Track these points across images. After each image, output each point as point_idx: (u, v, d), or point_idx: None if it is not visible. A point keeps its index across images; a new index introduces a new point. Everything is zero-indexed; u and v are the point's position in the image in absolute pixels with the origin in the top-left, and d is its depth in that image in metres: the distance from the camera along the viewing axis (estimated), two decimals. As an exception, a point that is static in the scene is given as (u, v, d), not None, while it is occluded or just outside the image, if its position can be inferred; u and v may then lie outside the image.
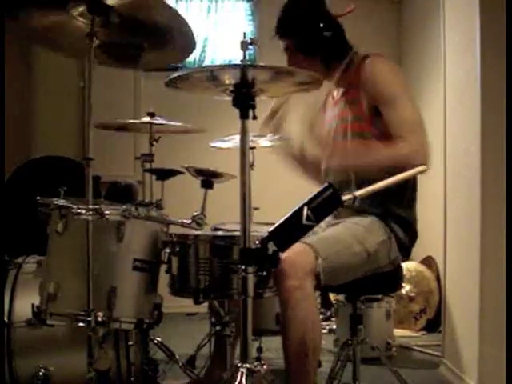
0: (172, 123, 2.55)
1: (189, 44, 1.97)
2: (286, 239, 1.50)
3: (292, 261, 1.70)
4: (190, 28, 1.87)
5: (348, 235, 1.91)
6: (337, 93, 2.17)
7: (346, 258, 1.86)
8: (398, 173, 1.74)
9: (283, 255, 1.53)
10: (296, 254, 1.69)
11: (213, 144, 2.86)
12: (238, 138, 1.60)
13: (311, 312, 1.78)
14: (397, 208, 2.00)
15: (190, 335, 3.29)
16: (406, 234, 2.01)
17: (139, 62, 2.01)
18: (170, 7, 1.85)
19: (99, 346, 1.75)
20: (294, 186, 2.49)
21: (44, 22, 1.87)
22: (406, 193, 2.04)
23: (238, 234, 1.63)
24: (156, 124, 2.49)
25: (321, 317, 3.82)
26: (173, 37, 1.91)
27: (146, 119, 2.48)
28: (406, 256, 2.06)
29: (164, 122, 2.51)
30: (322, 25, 2.04)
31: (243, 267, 1.50)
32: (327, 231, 1.97)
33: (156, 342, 2.41)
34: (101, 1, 1.74)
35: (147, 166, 2.45)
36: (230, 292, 1.86)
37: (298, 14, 2.08)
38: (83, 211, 1.74)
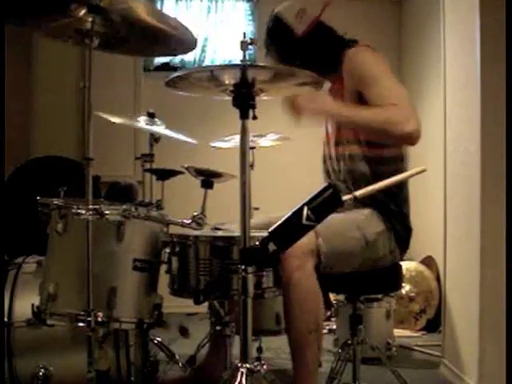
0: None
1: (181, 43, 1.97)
2: (286, 239, 1.50)
3: None
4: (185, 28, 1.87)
5: (348, 221, 1.95)
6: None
7: (345, 240, 1.90)
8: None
9: None
10: None
11: (213, 144, 2.86)
12: (237, 138, 1.61)
13: (312, 292, 1.80)
14: (393, 205, 2.04)
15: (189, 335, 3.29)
16: (402, 227, 2.03)
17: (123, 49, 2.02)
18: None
19: (99, 345, 1.76)
20: (294, 185, 2.49)
21: (47, 27, 1.88)
22: (400, 192, 2.07)
23: (237, 234, 1.63)
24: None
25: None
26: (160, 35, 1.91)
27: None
28: (405, 249, 2.08)
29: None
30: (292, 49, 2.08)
31: (243, 267, 1.50)
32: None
33: (156, 342, 2.41)
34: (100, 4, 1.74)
35: (147, 166, 2.44)
36: (230, 292, 1.86)
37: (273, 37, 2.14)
38: (83, 211, 1.74)
